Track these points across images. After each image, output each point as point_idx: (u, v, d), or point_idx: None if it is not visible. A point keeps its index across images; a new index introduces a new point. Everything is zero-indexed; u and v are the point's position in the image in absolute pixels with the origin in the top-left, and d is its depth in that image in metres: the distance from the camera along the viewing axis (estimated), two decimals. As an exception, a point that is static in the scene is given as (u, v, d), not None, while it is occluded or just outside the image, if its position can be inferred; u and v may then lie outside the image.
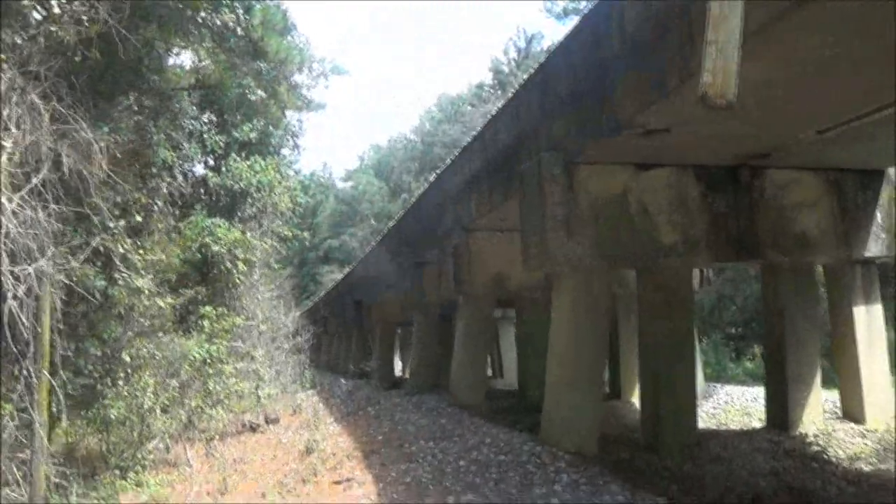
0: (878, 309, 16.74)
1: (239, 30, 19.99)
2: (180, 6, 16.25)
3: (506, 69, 70.14)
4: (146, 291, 15.50)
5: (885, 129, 12.40)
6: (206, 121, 24.79)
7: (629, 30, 11.16)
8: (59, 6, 12.97)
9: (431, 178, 25.61)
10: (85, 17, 13.05)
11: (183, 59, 22.29)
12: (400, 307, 32.15)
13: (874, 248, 16.13)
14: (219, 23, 18.10)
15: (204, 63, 22.59)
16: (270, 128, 27.85)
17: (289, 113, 29.57)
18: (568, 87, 13.50)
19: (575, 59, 13.23)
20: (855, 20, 8.08)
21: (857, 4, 7.62)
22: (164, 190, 18.28)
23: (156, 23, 15.86)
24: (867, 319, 16.51)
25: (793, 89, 10.58)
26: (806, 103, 11.38)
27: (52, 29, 12.83)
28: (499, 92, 61.86)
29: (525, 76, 16.59)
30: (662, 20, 10.08)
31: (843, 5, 7.65)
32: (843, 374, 16.74)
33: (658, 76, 10.26)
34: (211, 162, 26.23)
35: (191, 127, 22.42)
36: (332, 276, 69.03)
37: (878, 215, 16.15)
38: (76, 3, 13.04)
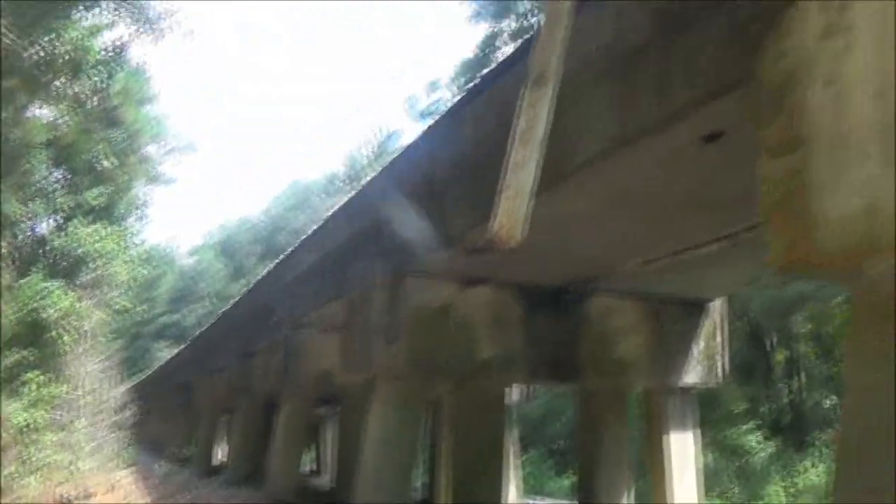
0: (691, 436, 17.05)
1: (95, 99, 19.79)
2: (38, 71, 16.06)
3: (362, 161, 70.54)
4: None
5: (708, 262, 12.83)
6: (55, 180, 24.39)
7: (463, 150, 11.35)
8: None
9: (272, 265, 25.50)
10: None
11: (43, 112, 21.93)
12: (227, 393, 31.72)
13: (692, 377, 16.50)
14: (76, 90, 17.92)
15: (61, 120, 22.27)
16: (118, 196, 27.45)
17: (138, 183, 29.23)
18: (402, 197, 13.63)
19: (412, 170, 13.42)
20: (678, 161, 8.42)
21: (678, 147, 7.95)
22: (3, 249, 17.90)
23: (17, 77, 15.64)
24: (680, 446, 16.80)
25: (617, 221, 10.91)
26: (630, 234, 11.74)
27: None
28: (352, 184, 62.09)
29: (370, 177, 16.73)
30: (492, 143, 10.27)
31: (667, 147, 7.98)
32: (656, 499, 16.97)
33: (485, 197, 10.41)
34: (55, 223, 25.69)
35: (40, 185, 22.06)
36: (166, 353, 67.65)
37: (699, 345, 16.57)
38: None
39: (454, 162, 11.74)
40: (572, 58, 6.89)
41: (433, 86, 54.45)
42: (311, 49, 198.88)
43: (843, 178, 5.17)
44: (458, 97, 11.92)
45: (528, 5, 40.57)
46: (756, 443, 29.05)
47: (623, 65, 7.95)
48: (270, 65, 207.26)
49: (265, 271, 27.23)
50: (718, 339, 16.87)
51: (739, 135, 7.20)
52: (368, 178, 16.75)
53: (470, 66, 44.07)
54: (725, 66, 6.62)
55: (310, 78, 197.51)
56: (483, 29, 45.39)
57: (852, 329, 5.64)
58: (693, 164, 8.48)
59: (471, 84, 11.27)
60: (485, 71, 11.20)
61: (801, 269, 5.74)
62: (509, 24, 43.07)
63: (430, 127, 13.25)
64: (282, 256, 23.02)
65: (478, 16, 45.06)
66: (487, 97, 10.62)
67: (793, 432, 30.42)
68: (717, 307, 16.86)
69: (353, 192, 17.80)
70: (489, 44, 43.89)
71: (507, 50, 30.41)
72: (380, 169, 16.32)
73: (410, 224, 13.20)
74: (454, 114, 12.05)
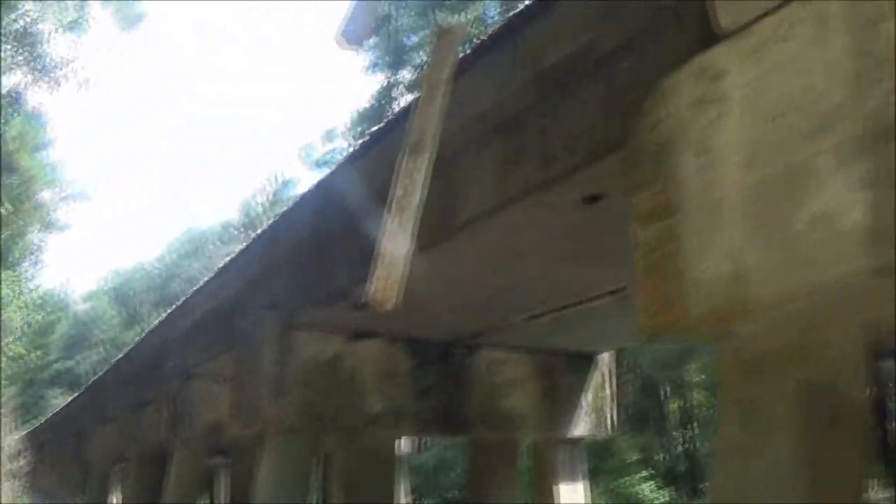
0: (581, 487, 17.17)
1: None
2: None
3: (257, 209, 70.01)
4: None
5: (595, 317, 13.03)
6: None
7: (357, 203, 11.39)
8: None
9: (165, 314, 25.20)
10: None
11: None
12: (120, 442, 31.15)
13: (581, 428, 16.65)
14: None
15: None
16: (12, 241, 27.11)
17: (33, 229, 28.91)
18: (291, 250, 13.65)
19: (303, 223, 13.39)
20: (561, 220, 8.60)
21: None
22: None
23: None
24: (570, 496, 16.90)
25: (502, 277, 11.05)
26: (516, 290, 11.87)
27: None
28: (247, 232, 61.60)
29: (264, 226, 16.71)
30: (381, 199, 10.34)
31: (549, 208, 8.16)
32: (545, 549, 17.08)
33: (370, 253, 10.48)
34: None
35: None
36: (60, 400, 66.18)
37: (587, 398, 16.75)
38: None
39: (341, 219, 11.77)
40: (456, 120, 7.03)
41: (329, 135, 54.63)
42: (210, 88, 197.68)
43: (714, 243, 5.34)
44: (352, 149, 12.01)
45: (424, 57, 40.81)
46: (650, 491, 29.36)
47: (506, 128, 8.10)
48: (159, 104, 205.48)
49: (158, 320, 26.90)
50: (607, 391, 17.05)
51: (620, 195, 7.37)
52: (261, 229, 16.70)
53: (366, 116, 44.15)
54: (603, 132, 6.80)
55: (204, 120, 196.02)
56: (380, 79, 45.61)
57: (721, 387, 5.81)
58: (576, 223, 8.64)
59: (366, 136, 11.37)
60: (373, 128, 11.32)
61: (673, 331, 5.88)
62: (405, 75, 43.28)
63: (322, 179, 13.24)
64: (175, 305, 22.78)
65: (374, 66, 45.21)
66: (378, 153, 10.69)
67: (686, 480, 30.81)
68: (605, 360, 17.04)
69: (246, 242, 17.73)
70: (386, 94, 44.01)
71: (402, 101, 30.60)
72: (274, 217, 16.30)
73: (299, 277, 13.23)
74: (346, 167, 12.09)
